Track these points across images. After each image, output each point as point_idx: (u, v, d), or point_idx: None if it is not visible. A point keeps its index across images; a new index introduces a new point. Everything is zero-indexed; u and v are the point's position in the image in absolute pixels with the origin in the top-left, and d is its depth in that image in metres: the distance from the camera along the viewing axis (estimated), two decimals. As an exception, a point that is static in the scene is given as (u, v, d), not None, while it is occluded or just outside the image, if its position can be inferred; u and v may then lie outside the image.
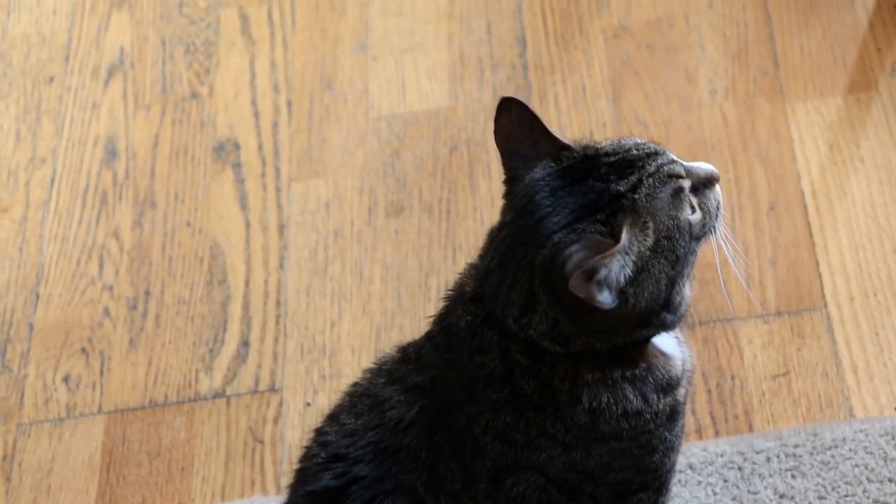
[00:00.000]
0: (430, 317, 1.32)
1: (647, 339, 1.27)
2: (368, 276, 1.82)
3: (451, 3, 2.05)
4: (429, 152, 1.92)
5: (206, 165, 1.96)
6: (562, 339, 1.23)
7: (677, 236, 1.21)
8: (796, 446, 1.58)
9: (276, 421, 1.72)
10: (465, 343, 1.26)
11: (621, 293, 1.18)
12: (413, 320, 1.77)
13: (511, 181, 1.26)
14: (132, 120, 2.02)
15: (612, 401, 1.24)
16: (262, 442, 1.71)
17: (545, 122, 1.25)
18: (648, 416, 1.26)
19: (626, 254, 1.18)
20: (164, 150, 1.98)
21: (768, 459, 1.57)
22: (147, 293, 1.85)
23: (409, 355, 1.31)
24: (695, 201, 1.23)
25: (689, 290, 1.26)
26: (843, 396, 1.64)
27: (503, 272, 1.23)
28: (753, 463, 1.57)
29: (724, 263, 1.28)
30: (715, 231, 1.25)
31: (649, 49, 1.96)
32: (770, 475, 1.56)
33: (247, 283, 1.84)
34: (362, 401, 1.31)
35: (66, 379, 1.79)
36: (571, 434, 1.25)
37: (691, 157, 1.82)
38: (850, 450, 1.57)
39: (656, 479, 1.31)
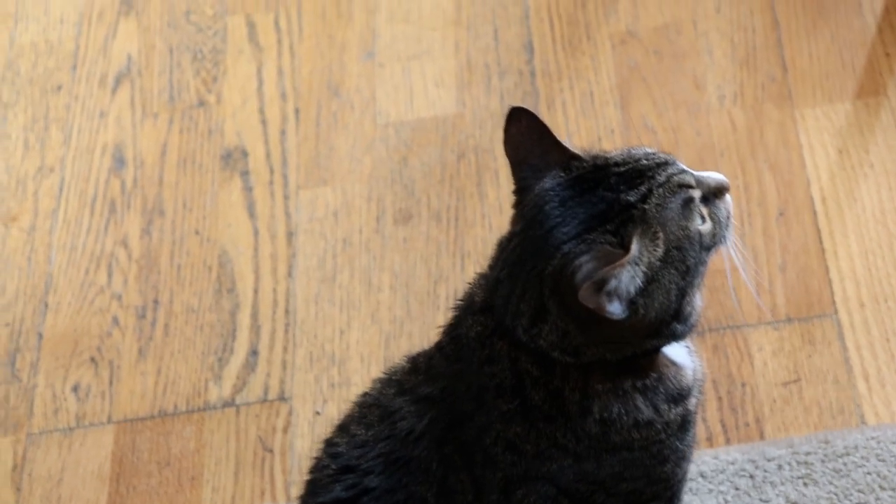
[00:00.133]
0: (439, 327, 1.32)
1: (658, 349, 1.26)
2: (377, 284, 1.82)
3: (458, 10, 2.05)
4: (437, 159, 1.92)
5: (214, 173, 1.96)
6: (572, 350, 1.22)
7: (687, 247, 1.21)
8: (808, 454, 1.57)
9: (285, 430, 1.72)
10: (474, 354, 1.26)
11: (631, 304, 1.18)
12: (422, 328, 1.77)
13: (521, 191, 1.25)
14: (140, 128, 2.02)
15: (622, 411, 1.24)
16: (271, 451, 1.71)
17: (553, 130, 1.25)
18: (659, 427, 1.26)
19: (636, 264, 1.18)
20: (171, 158, 1.98)
21: (780, 467, 1.57)
22: (156, 302, 1.85)
23: (419, 366, 1.31)
24: (705, 211, 1.23)
25: (699, 300, 1.26)
26: (855, 403, 1.64)
27: (513, 282, 1.23)
28: (765, 471, 1.57)
29: (733, 270, 1.28)
30: (725, 241, 1.24)
31: (657, 55, 1.96)
32: (782, 483, 1.56)
33: (255, 292, 1.84)
34: (372, 411, 1.31)
35: (75, 388, 1.79)
36: (582, 444, 1.24)
37: (700, 163, 1.83)
38: (862, 457, 1.57)
39: (668, 489, 1.31)
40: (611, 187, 1.21)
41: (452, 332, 1.30)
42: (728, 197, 1.26)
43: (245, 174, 1.95)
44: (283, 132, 1.98)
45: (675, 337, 1.25)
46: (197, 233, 1.91)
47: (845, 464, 1.56)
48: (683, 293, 1.22)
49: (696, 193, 1.22)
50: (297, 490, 1.59)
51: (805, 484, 1.56)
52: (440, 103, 1.97)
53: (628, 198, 1.20)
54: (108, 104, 2.05)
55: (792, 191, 1.81)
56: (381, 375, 1.34)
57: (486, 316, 1.26)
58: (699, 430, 1.60)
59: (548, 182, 1.22)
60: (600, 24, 2.00)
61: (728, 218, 1.25)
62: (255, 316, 1.82)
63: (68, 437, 1.75)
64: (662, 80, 1.93)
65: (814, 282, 1.73)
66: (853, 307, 1.71)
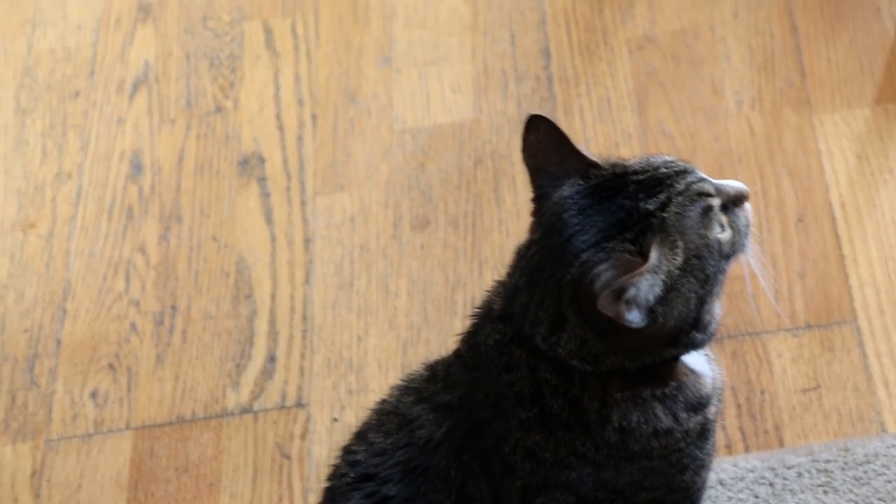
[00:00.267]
0: (458, 334, 1.32)
1: (677, 358, 1.26)
2: (394, 291, 1.82)
3: (475, 16, 2.05)
4: (454, 165, 1.92)
5: (232, 179, 1.96)
6: (591, 358, 1.22)
7: (707, 255, 1.20)
8: (828, 462, 1.57)
9: (303, 437, 1.72)
10: (493, 362, 1.26)
11: (650, 312, 1.18)
12: (439, 335, 1.77)
13: (539, 199, 1.25)
14: (157, 134, 2.02)
15: (642, 420, 1.24)
16: (289, 458, 1.71)
17: (570, 135, 1.24)
18: (679, 435, 1.25)
19: (655, 273, 1.17)
20: (189, 164, 1.99)
21: (799, 475, 1.56)
22: (173, 308, 1.85)
23: (438, 373, 1.31)
24: (724, 220, 1.22)
25: (718, 309, 1.25)
26: (875, 411, 1.63)
27: (531, 291, 1.23)
28: (784, 479, 1.56)
29: (752, 277, 1.27)
30: (745, 249, 1.24)
31: (674, 60, 1.95)
32: (801, 491, 1.55)
33: (273, 298, 1.84)
34: (390, 419, 1.30)
35: (93, 395, 1.79)
36: (601, 453, 1.24)
37: (718, 169, 1.82)
38: (882, 465, 1.56)
39: (687, 498, 1.30)
40: (630, 196, 1.20)
41: (471, 339, 1.30)
42: (747, 205, 1.25)
43: (262, 180, 1.95)
44: (300, 138, 1.98)
45: (695, 346, 1.24)
46: (214, 239, 1.91)
47: (865, 472, 1.56)
48: (702, 302, 1.21)
49: (716, 202, 1.22)
50: (314, 497, 1.59)
51: (825, 492, 1.55)
52: (457, 109, 1.97)
53: (647, 206, 1.19)
54: (125, 110, 2.05)
55: (811, 197, 1.81)
56: (399, 383, 1.34)
57: (504, 324, 1.26)
58: (718, 437, 1.60)
59: (566, 190, 1.22)
60: (617, 30, 2.00)
61: (747, 226, 1.24)
62: (272, 322, 1.82)
63: (87, 443, 1.75)
64: (680, 86, 1.92)
65: (833, 288, 1.73)
66: (873, 314, 1.70)
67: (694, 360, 1.28)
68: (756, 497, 1.56)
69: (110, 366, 1.82)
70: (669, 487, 1.28)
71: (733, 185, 1.24)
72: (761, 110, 1.89)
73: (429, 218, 1.88)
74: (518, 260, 1.26)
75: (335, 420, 1.73)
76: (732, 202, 1.24)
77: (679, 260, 1.19)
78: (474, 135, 1.94)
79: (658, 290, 1.18)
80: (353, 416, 1.70)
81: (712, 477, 1.56)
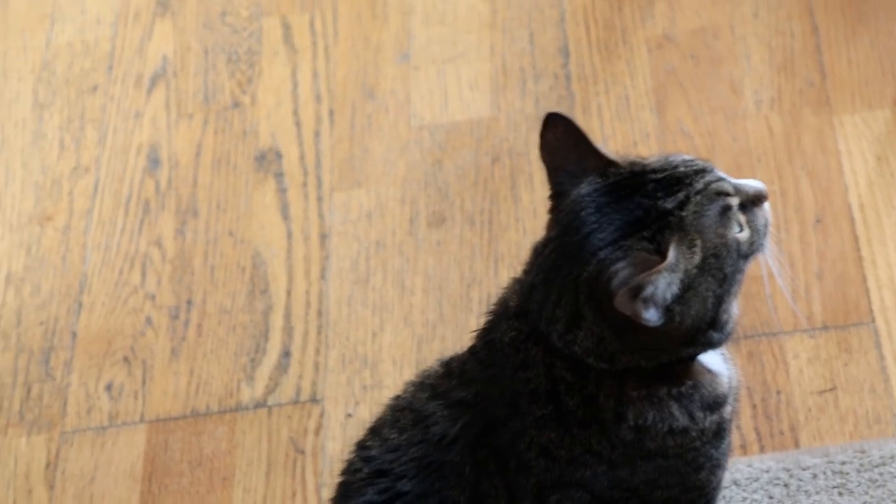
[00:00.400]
0: (473, 331, 1.32)
1: (694, 357, 1.26)
2: (410, 287, 1.82)
3: (494, 13, 2.05)
4: (471, 163, 1.92)
5: (248, 175, 1.96)
6: (607, 356, 1.22)
7: (725, 254, 1.20)
8: (843, 463, 1.56)
9: (317, 432, 1.72)
10: (509, 359, 1.26)
11: (667, 311, 1.18)
12: (455, 332, 1.77)
13: (556, 196, 1.25)
14: (175, 129, 2.02)
15: (657, 418, 1.23)
16: (303, 453, 1.71)
17: (588, 134, 1.24)
18: (695, 434, 1.25)
19: (673, 271, 1.17)
20: (206, 159, 1.99)
21: (815, 476, 1.56)
22: (189, 302, 1.85)
23: (453, 370, 1.31)
24: (743, 219, 1.22)
25: (735, 308, 1.25)
26: (892, 413, 1.62)
27: (548, 288, 1.22)
28: (800, 480, 1.56)
29: (769, 277, 1.27)
30: (763, 249, 1.24)
31: (694, 59, 1.95)
32: (817, 492, 1.54)
33: (288, 293, 1.84)
34: (405, 415, 1.30)
35: (108, 387, 1.80)
36: (617, 451, 1.24)
37: (737, 169, 1.82)
38: (898, 467, 1.55)
39: (702, 497, 1.30)
40: (648, 194, 1.20)
41: (486, 336, 1.29)
42: (766, 205, 1.25)
43: (279, 176, 1.95)
44: (317, 134, 1.98)
45: (712, 345, 1.24)
46: (230, 234, 1.91)
47: (881, 474, 1.55)
48: (720, 301, 1.21)
49: (734, 201, 1.22)
50: (328, 492, 1.59)
51: (840, 494, 1.55)
52: (475, 106, 1.96)
53: (666, 205, 1.19)
54: (143, 105, 2.05)
55: (829, 198, 1.80)
56: (414, 379, 1.34)
57: (520, 321, 1.26)
58: (733, 437, 1.59)
59: (584, 188, 1.22)
60: (636, 28, 1.99)
61: (766, 226, 1.24)
62: (287, 317, 1.82)
63: (101, 435, 1.76)
64: (699, 85, 1.92)
65: (851, 290, 1.72)
66: (891, 316, 1.69)
67: (710, 359, 1.28)
68: (771, 498, 1.55)
69: (125, 359, 1.82)
70: (684, 486, 1.27)
71: (752, 184, 1.24)
72: (780, 110, 1.88)
73: (445, 215, 1.88)
74: (535, 257, 1.25)
75: (349, 416, 1.73)
76: (751, 201, 1.23)
77: (697, 259, 1.19)
78: (492, 132, 1.94)
79: (675, 288, 1.17)
80: (367, 412, 1.70)
81: (727, 477, 1.56)
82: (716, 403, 1.26)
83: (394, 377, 1.74)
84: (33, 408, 1.79)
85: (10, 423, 1.78)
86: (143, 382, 1.79)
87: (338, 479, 1.35)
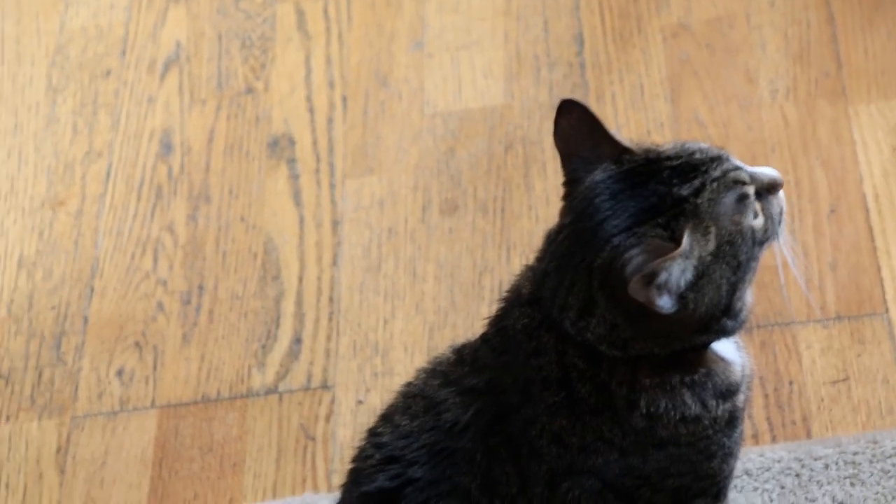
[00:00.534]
0: (485, 318, 1.32)
1: (707, 345, 1.25)
2: (422, 275, 1.82)
3: (508, 1, 2.04)
4: (484, 150, 1.91)
5: (261, 161, 1.96)
6: (620, 344, 1.21)
7: (739, 242, 1.20)
8: (855, 454, 1.56)
9: (327, 418, 1.72)
10: (521, 346, 1.25)
11: (681, 298, 1.17)
12: (466, 319, 1.76)
13: (570, 183, 1.24)
14: (188, 114, 2.02)
15: (670, 406, 1.23)
16: (313, 439, 1.71)
17: (603, 123, 1.24)
18: (707, 422, 1.25)
19: (687, 258, 1.17)
20: (218, 144, 1.99)
21: (826, 466, 1.55)
22: (200, 288, 1.85)
23: (465, 357, 1.30)
24: (758, 207, 1.21)
25: (749, 296, 1.24)
26: (905, 404, 1.62)
27: (561, 275, 1.22)
28: (811, 470, 1.56)
29: (784, 266, 1.26)
30: (777, 237, 1.23)
31: (709, 48, 1.94)
32: (828, 483, 1.54)
33: (300, 280, 1.84)
34: (417, 402, 1.30)
35: (119, 373, 1.80)
36: (629, 439, 1.24)
37: (751, 158, 1.81)
38: (911, 459, 1.55)
39: (714, 485, 1.30)
40: (663, 181, 1.19)
41: (499, 323, 1.29)
42: (781, 193, 1.24)
43: (292, 162, 1.95)
44: (330, 120, 1.98)
45: (725, 333, 1.23)
46: (243, 220, 1.91)
47: (894, 464, 1.55)
48: (734, 289, 1.20)
49: (750, 189, 1.21)
50: (338, 479, 1.59)
51: (852, 484, 1.54)
52: (488, 94, 1.96)
53: (681, 192, 1.19)
54: (156, 90, 2.05)
55: (844, 188, 1.79)
56: (426, 366, 1.33)
57: (533, 308, 1.25)
58: (745, 427, 1.59)
59: (599, 175, 1.21)
60: (651, 17, 1.98)
61: (781, 214, 1.24)
62: (299, 304, 1.82)
63: (112, 420, 1.76)
64: (714, 74, 1.91)
65: (865, 280, 1.71)
66: (905, 307, 1.69)
67: (724, 347, 1.27)
68: (782, 488, 1.55)
69: (137, 344, 1.82)
70: (696, 475, 1.27)
71: (767, 172, 1.23)
72: (796, 100, 1.87)
73: (458, 202, 1.87)
74: (548, 244, 1.25)
75: (360, 402, 1.72)
76: (766, 189, 1.23)
77: (711, 246, 1.18)
78: (505, 120, 1.94)
79: (689, 275, 1.17)
80: (378, 399, 1.70)
81: (738, 466, 1.55)
82: (728, 392, 1.26)
83: (405, 364, 1.74)
84: (44, 392, 1.79)
85: (21, 407, 1.79)
86: (155, 368, 1.79)
87: (349, 466, 1.34)
